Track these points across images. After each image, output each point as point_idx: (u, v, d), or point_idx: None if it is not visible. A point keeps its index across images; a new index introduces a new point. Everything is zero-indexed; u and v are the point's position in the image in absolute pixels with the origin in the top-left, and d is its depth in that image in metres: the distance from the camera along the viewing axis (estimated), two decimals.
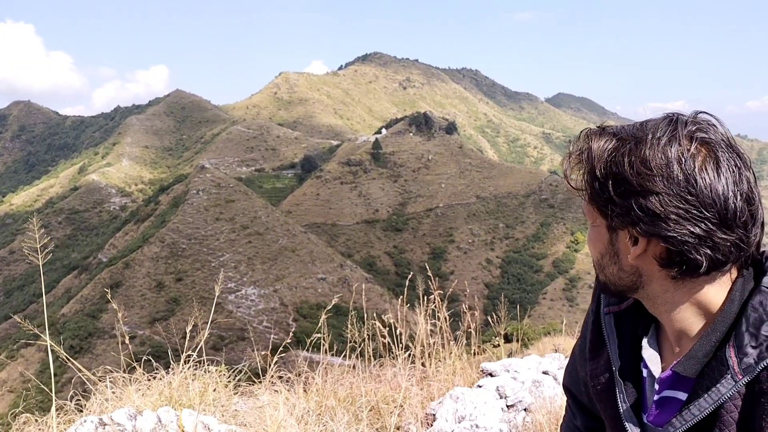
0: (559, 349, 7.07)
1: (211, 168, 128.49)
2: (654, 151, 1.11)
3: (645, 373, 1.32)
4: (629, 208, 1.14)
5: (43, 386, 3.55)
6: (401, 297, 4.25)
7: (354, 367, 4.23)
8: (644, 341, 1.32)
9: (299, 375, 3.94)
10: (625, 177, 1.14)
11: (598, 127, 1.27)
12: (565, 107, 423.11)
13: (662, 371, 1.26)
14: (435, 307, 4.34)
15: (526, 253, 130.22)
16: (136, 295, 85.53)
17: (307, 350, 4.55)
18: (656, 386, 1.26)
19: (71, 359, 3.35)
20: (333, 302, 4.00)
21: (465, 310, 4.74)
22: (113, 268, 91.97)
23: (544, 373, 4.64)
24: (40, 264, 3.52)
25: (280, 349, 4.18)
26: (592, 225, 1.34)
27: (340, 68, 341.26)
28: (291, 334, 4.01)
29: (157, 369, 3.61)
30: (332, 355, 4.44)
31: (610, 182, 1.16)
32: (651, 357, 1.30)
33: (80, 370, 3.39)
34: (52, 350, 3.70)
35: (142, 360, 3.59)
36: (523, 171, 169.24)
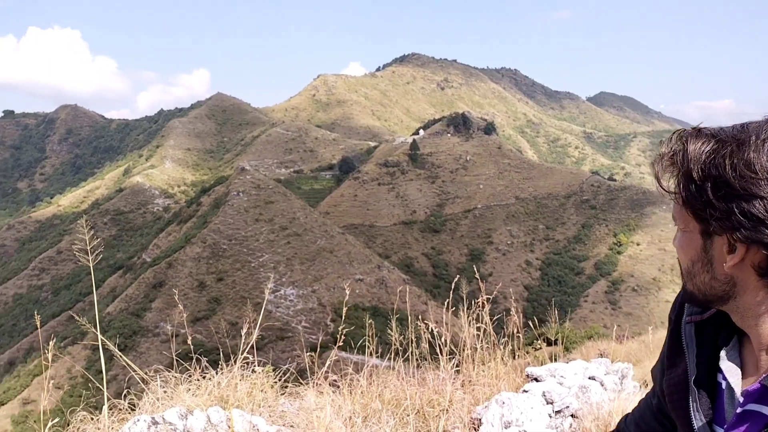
0: (604, 354, 6.94)
1: (251, 170, 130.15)
2: (759, 154, 1.07)
3: (723, 384, 1.28)
4: (730, 213, 1.10)
5: (97, 384, 3.64)
6: (447, 301, 4.22)
7: (396, 369, 4.23)
8: (722, 352, 1.29)
9: (344, 377, 3.96)
10: (727, 180, 1.09)
11: (694, 128, 1.21)
12: (607, 106, 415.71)
13: (746, 384, 1.22)
14: (479, 310, 4.31)
15: (567, 254, 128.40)
16: (179, 294, 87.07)
17: (346, 351, 4.56)
18: (740, 399, 1.22)
19: (124, 358, 3.43)
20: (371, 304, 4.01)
21: (510, 313, 4.69)
22: (157, 268, 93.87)
23: (591, 378, 4.56)
24: (91, 265, 3.61)
25: (325, 350, 4.20)
26: (683, 230, 1.29)
27: (378, 69, 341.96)
28: (341, 336, 4.03)
29: (206, 369, 3.67)
30: (375, 356, 4.44)
31: (709, 185, 1.12)
32: (730, 369, 1.26)
33: (133, 369, 3.47)
34: (98, 347, 3.79)
35: (193, 359, 3.65)
36: (563, 171, 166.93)
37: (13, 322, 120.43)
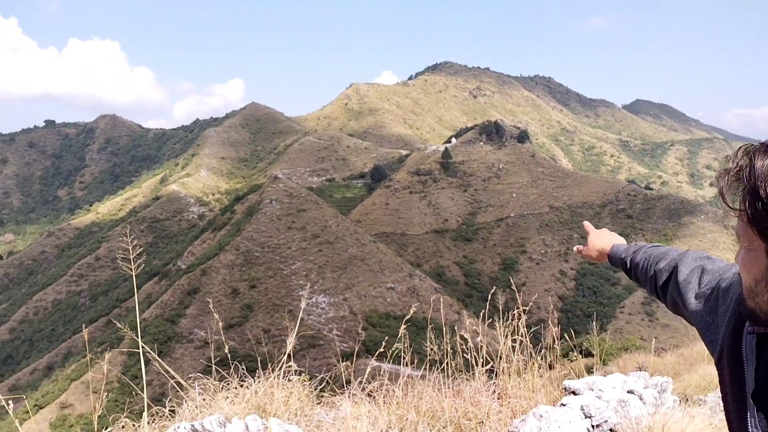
0: (643, 367, 6.80)
1: (284, 178, 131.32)
2: None
3: None
4: None
5: (137, 389, 3.71)
6: (483, 312, 4.20)
7: (430, 379, 4.21)
8: None
9: (380, 387, 3.96)
10: None
11: (762, 143, 1.18)
12: (643, 114, 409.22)
13: None
14: (515, 321, 4.28)
15: (602, 264, 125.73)
16: (213, 301, 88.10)
17: (379, 359, 4.56)
18: None
19: (165, 366, 3.49)
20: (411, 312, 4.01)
21: (545, 324, 4.65)
22: (191, 275, 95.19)
23: (629, 392, 4.49)
24: (133, 273, 3.69)
25: (357, 358, 4.22)
26: (747, 248, 1.26)
27: (410, 78, 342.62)
28: (392, 346, 4.04)
29: (243, 377, 3.71)
30: (410, 366, 4.44)
31: None
32: None
33: (172, 376, 3.52)
34: (135, 353, 3.85)
35: (230, 367, 3.70)
36: (599, 180, 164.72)
37: (52, 327, 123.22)
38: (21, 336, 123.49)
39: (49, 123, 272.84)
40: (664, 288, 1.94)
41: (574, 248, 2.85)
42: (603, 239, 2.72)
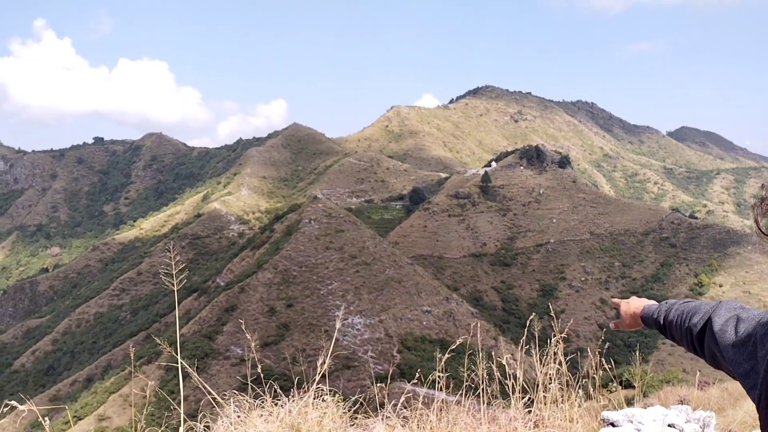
0: (685, 401, 6.58)
1: (323, 198, 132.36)
2: None
3: None
4: None
5: (173, 405, 3.76)
6: (522, 339, 4.15)
7: (465, 405, 4.17)
8: None
9: (413, 411, 3.94)
10: None
11: None
12: (689, 141, 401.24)
13: None
14: (553, 348, 4.21)
15: (644, 294, 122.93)
16: (249, 319, 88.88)
17: (414, 383, 4.53)
18: None
19: (203, 383, 3.54)
20: (458, 341, 3.98)
21: (584, 352, 4.57)
22: (230, 292, 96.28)
23: (670, 426, 4.37)
24: (175, 289, 3.76)
25: (392, 381, 4.20)
26: None
27: (451, 102, 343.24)
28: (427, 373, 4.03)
29: (277, 395, 3.73)
30: (445, 391, 4.39)
31: None
32: None
33: (209, 392, 3.57)
34: (172, 368, 3.91)
35: (264, 385, 3.72)
36: (642, 207, 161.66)
37: (94, 339, 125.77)
38: (63, 347, 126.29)
39: (98, 140, 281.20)
40: (701, 341, 1.89)
41: (610, 325, 2.87)
42: (633, 305, 2.79)
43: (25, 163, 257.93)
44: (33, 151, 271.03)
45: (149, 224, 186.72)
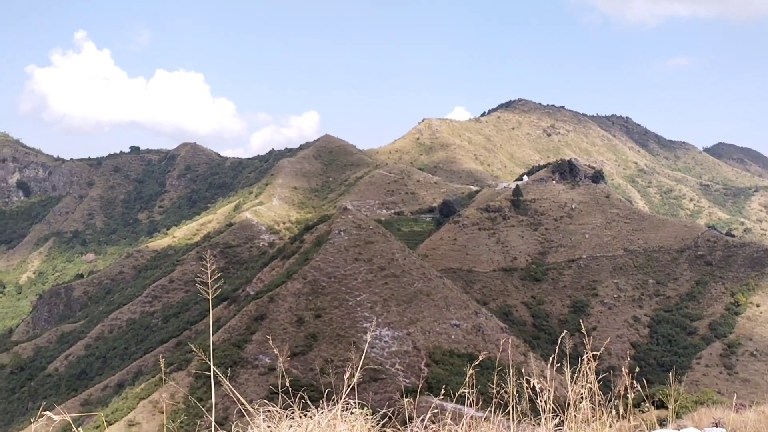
0: (719, 423, 6.41)
1: (353, 209, 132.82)
2: None
3: None
4: None
5: (204, 412, 3.82)
6: (552, 357, 4.12)
7: (494, 422, 4.14)
8: None
9: (442, 426, 3.93)
10: None
11: None
12: (726, 158, 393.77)
13: None
14: (585, 367, 4.16)
15: (678, 312, 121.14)
16: (278, 328, 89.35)
17: (442, 398, 4.52)
18: None
19: (235, 393, 3.59)
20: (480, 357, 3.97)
21: (615, 371, 4.51)
22: (259, 301, 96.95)
23: None
24: (210, 298, 3.83)
25: (419, 394, 4.20)
26: None
27: (483, 115, 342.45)
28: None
29: (307, 407, 3.75)
30: (473, 407, 4.37)
31: None
32: None
33: (241, 402, 3.61)
34: (200, 375, 3.97)
35: (294, 395, 3.75)
36: (677, 224, 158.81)
37: (125, 345, 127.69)
38: (96, 353, 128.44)
39: (134, 149, 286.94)
40: None
41: None
42: None
43: (64, 171, 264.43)
44: (71, 159, 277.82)
45: (182, 232, 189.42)
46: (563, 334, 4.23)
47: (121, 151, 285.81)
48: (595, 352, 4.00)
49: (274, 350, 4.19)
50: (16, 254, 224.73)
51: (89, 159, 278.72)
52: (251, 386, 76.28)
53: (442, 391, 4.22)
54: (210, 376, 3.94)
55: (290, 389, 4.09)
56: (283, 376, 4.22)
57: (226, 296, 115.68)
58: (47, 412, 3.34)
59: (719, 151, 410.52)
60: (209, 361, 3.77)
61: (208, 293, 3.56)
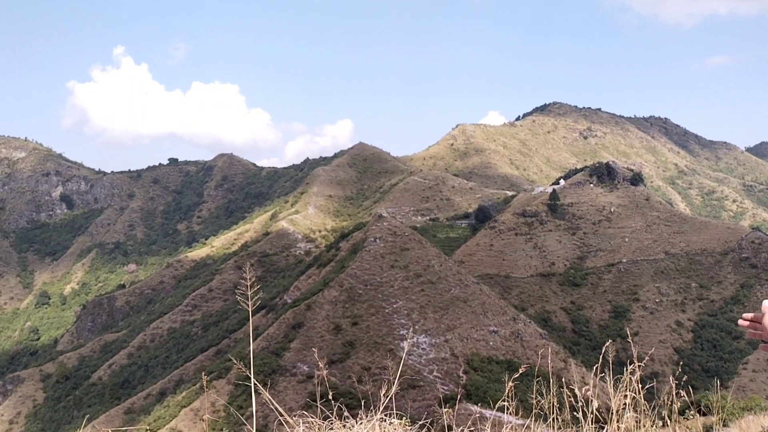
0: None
1: (388, 217, 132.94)
2: None
3: None
4: None
5: (244, 421, 3.86)
6: (595, 366, 4.05)
7: (532, 429, 4.09)
8: None
9: None
10: None
11: None
12: None
13: None
14: (628, 375, 4.08)
15: (723, 317, 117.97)
16: (316, 336, 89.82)
17: (482, 405, 4.48)
18: None
19: (275, 404, 3.61)
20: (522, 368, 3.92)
21: (658, 377, 4.41)
22: (296, 309, 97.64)
23: None
24: (250, 311, 3.87)
25: (457, 402, 4.18)
26: None
27: (518, 119, 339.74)
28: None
29: (346, 416, 3.76)
30: (515, 417, 4.33)
31: None
32: None
33: (281, 413, 3.64)
34: (240, 384, 4.01)
35: (335, 407, 3.77)
36: (719, 226, 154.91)
37: (167, 354, 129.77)
38: (138, 361, 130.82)
39: (173, 161, 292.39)
40: None
41: (760, 347, 2.69)
42: None
43: (105, 184, 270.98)
44: (112, 171, 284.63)
45: (220, 242, 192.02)
46: (607, 344, 4.16)
47: (159, 163, 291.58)
48: (639, 363, 3.92)
49: (317, 360, 4.21)
50: (60, 266, 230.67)
51: (129, 171, 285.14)
52: (290, 394, 76.77)
53: (484, 398, 4.19)
54: (249, 385, 3.97)
55: (329, 398, 4.10)
56: (322, 384, 4.24)
57: (263, 304, 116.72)
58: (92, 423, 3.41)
59: (762, 150, 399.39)
60: (249, 372, 3.80)
61: (248, 305, 3.60)
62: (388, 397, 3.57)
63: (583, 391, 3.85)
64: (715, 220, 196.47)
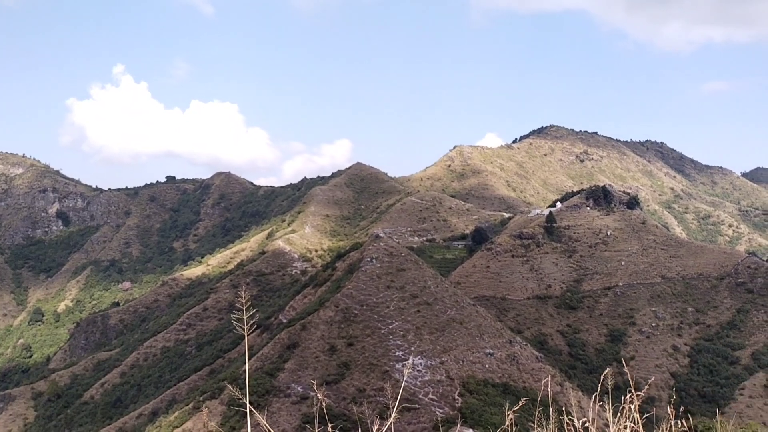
0: None
1: (385, 237, 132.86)
2: None
3: None
4: None
5: None
6: (594, 395, 4.01)
7: None
8: None
9: None
10: None
11: None
12: (765, 182, 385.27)
13: None
14: (628, 405, 4.04)
15: (719, 341, 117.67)
16: (311, 356, 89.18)
17: (477, 429, 4.43)
18: None
19: (268, 427, 3.56)
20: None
21: (658, 403, 4.36)
22: (291, 329, 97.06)
23: None
24: (246, 334, 3.83)
25: (452, 425, 4.12)
26: None
27: (515, 141, 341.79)
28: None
29: None
30: None
31: None
32: None
33: None
34: (233, 404, 3.95)
35: (328, 428, 3.71)
36: (716, 251, 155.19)
37: (160, 373, 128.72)
38: (131, 380, 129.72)
39: (170, 179, 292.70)
40: None
41: None
42: None
43: (102, 201, 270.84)
44: (109, 189, 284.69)
45: (216, 261, 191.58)
46: (606, 371, 4.12)
47: (157, 181, 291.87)
48: (638, 392, 3.88)
49: (312, 381, 4.16)
50: (54, 283, 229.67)
51: (126, 189, 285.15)
52: (284, 416, 76.04)
53: (488, 425, 4.14)
54: (242, 405, 3.92)
55: (323, 419, 4.05)
56: (316, 405, 4.18)
57: (258, 324, 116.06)
58: None
59: (758, 175, 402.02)
60: (244, 394, 3.76)
61: (243, 329, 3.56)
62: (386, 425, 3.54)
63: (581, 423, 3.82)
64: (712, 244, 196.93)
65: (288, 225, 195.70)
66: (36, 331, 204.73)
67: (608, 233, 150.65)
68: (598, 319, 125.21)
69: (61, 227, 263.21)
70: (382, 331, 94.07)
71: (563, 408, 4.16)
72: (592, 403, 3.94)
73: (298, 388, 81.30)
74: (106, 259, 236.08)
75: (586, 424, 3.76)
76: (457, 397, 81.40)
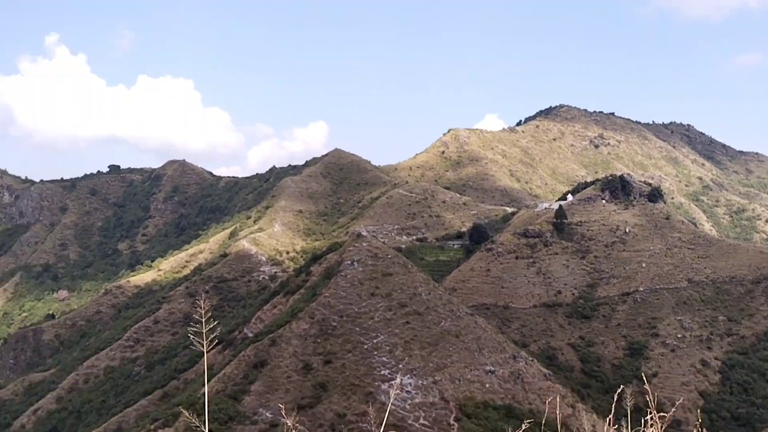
0: None
1: (368, 236, 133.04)
2: None
3: None
4: None
5: None
6: (610, 418, 4.07)
7: None
8: None
9: None
10: None
11: None
12: None
13: None
14: (650, 428, 4.10)
15: (755, 355, 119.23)
16: (282, 376, 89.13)
17: None
18: None
19: None
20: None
21: (684, 427, 4.43)
22: (259, 345, 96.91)
23: None
24: (205, 352, 3.84)
25: None
26: None
27: (519, 123, 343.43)
28: None
29: None
30: None
31: None
32: None
33: None
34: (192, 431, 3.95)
35: None
36: (751, 250, 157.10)
37: (103, 398, 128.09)
38: (68, 406, 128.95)
39: (114, 168, 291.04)
40: None
41: None
42: None
43: (32, 195, 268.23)
44: (41, 180, 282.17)
45: (169, 265, 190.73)
46: (620, 389, 4.19)
47: (98, 171, 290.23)
48: (661, 413, 3.95)
49: (282, 405, 4.18)
50: None
51: (62, 180, 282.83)
52: None
53: None
54: None
55: None
56: None
57: (220, 339, 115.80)
58: None
59: None
60: (203, 423, 3.78)
61: (202, 344, 3.58)
62: None
63: None
64: (746, 242, 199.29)
65: (254, 222, 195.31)
66: None
67: (627, 230, 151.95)
68: (616, 330, 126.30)
69: None
70: (366, 347, 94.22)
71: (572, 428, 4.23)
72: (607, 426, 4.00)
73: (267, 414, 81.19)
74: (39, 263, 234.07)
75: None
76: (452, 422, 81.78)
